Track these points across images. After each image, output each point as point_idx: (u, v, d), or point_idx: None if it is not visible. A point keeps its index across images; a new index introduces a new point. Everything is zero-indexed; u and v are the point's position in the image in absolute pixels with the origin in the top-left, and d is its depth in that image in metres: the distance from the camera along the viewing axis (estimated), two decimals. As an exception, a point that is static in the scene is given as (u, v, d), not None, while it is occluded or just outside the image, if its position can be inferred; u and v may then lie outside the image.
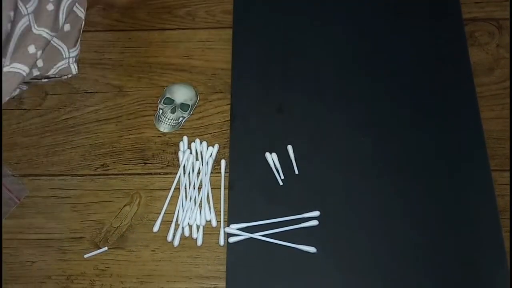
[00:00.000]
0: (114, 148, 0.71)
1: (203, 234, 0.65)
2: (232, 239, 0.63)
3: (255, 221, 0.63)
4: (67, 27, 0.74)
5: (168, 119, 0.71)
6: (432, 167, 0.66)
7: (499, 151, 0.68)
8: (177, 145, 0.70)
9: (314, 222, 0.63)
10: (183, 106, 0.72)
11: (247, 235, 0.62)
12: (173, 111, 0.71)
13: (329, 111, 0.70)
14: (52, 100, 0.75)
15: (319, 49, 0.74)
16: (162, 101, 0.72)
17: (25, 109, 0.74)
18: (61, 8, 0.71)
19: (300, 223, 0.63)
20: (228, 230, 0.63)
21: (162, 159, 0.70)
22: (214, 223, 0.65)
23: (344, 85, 0.72)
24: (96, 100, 0.74)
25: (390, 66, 0.73)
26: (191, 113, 0.72)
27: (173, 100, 0.72)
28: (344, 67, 0.73)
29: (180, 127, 0.71)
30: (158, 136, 0.71)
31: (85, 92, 0.75)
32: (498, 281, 0.59)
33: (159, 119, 0.72)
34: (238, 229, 0.63)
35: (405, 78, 0.72)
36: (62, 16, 0.71)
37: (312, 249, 0.61)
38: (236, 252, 0.63)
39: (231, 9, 0.79)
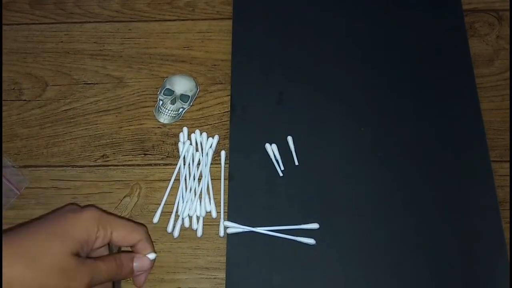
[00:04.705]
0: (114, 139, 0.71)
1: (203, 225, 0.65)
2: (230, 230, 0.63)
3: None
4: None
5: (168, 110, 0.71)
6: (432, 158, 0.66)
7: (499, 142, 0.68)
8: (177, 136, 0.70)
9: (315, 225, 0.63)
10: (183, 97, 0.72)
11: (247, 228, 0.63)
12: (173, 102, 0.71)
13: (329, 101, 0.70)
14: (52, 91, 0.75)
15: (319, 40, 0.74)
16: (162, 92, 0.72)
17: (25, 100, 0.74)
18: None
19: (300, 224, 0.63)
20: (226, 224, 0.63)
21: (162, 150, 0.70)
22: (214, 214, 0.65)
23: (344, 76, 0.72)
24: (96, 91, 0.74)
25: (390, 56, 0.72)
26: (191, 104, 0.72)
27: (173, 91, 0.72)
28: (344, 59, 0.73)
29: (180, 118, 0.71)
30: (158, 127, 0.71)
31: (85, 83, 0.75)
32: (498, 272, 0.60)
33: (159, 110, 0.71)
34: (235, 227, 0.63)
35: (405, 68, 0.71)
36: None
37: (311, 241, 0.62)
38: (236, 244, 0.63)
39: (231, 0, 0.79)
